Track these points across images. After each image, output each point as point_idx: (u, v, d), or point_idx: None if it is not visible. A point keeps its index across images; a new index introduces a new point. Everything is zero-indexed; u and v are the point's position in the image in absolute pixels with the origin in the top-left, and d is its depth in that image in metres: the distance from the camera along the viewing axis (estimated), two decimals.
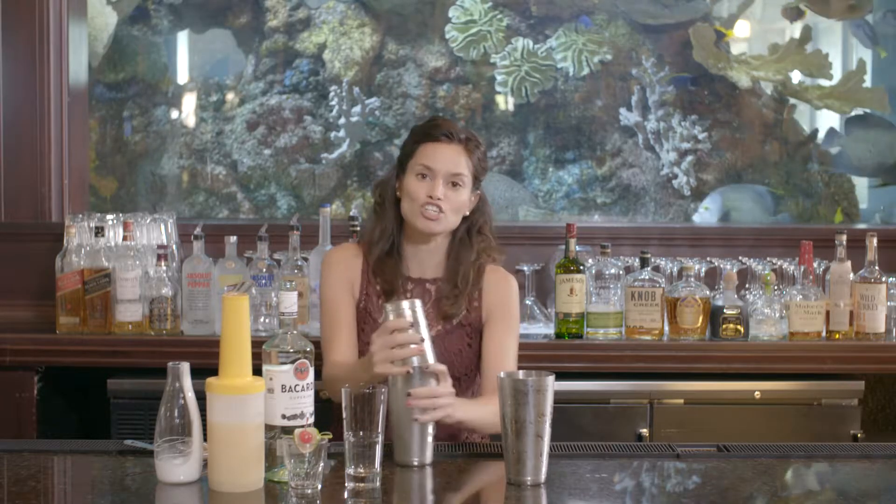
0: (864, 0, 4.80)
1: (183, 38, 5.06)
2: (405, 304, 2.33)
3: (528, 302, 3.71)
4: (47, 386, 3.55)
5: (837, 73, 4.85)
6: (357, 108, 4.83)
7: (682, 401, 3.45)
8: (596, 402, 3.45)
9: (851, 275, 3.48)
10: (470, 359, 2.70)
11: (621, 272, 3.53)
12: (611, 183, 4.83)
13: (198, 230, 3.51)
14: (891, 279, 3.53)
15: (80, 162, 4.08)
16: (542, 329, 3.63)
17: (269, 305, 3.45)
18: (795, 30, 4.91)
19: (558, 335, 3.48)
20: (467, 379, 2.71)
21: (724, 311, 3.44)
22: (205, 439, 2.10)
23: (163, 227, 3.73)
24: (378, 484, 2.05)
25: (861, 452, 2.45)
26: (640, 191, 4.82)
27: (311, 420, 2.15)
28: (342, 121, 4.83)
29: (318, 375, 2.19)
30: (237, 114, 4.90)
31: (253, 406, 2.07)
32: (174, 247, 3.69)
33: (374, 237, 2.70)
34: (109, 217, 3.68)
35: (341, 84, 4.84)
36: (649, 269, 3.51)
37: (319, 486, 2.02)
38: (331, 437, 2.03)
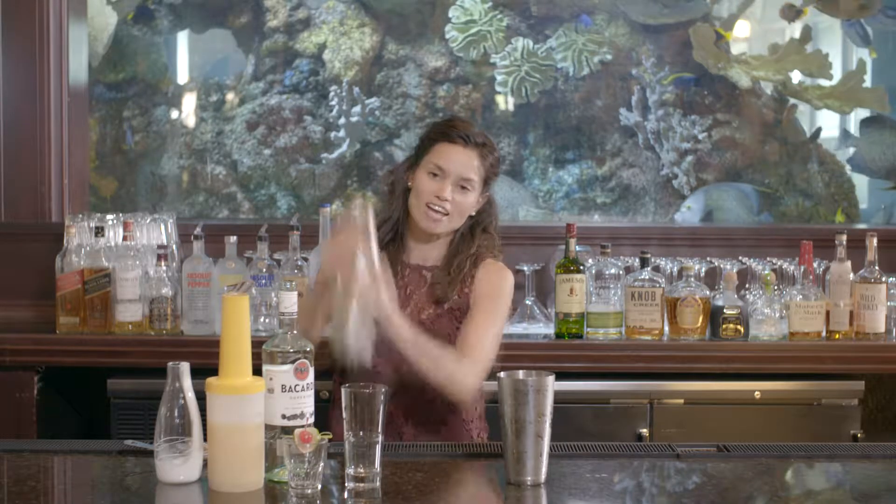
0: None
1: (183, 38, 5.06)
2: (356, 208, 2.45)
3: (528, 302, 3.71)
4: (47, 386, 3.55)
5: (837, 73, 4.85)
6: (357, 108, 4.83)
7: (682, 401, 3.45)
8: (596, 402, 3.45)
9: (851, 275, 3.48)
10: None
11: (621, 272, 3.53)
12: (611, 183, 4.83)
13: (198, 230, 3.51)
14: (891, 279, 3.53)
15: (80, 162, 4.08)
16: (542, 329, 3.63)
17: (269, 305, 3.45)
18: (795, 30, 4.91)
19: (558, 335, 3.48)
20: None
21: (724, 311, 3.44)
22: (205, 439, 2.10)
23: (163, 227, 3.73)
24: (378, 484, 2.05)
25: (861, 452, 2.45)
26: (640, 191, 4.82)
27: (311, 420, 2.15)
28: (342, 121, 4.83)
29: (318, 375, 2.19)
30: (237, 114, 4.90)
31: (253, 406, 2.06)
32: (174, 247, 3.69)
33: (379, 224, 2.69)
34: (109, 217, 3.68)
35: (341, 84, 4.84)
36: (649, 269, 3.51)
37: (319, 486, 2.02)
38: (331, 437, 2.03)
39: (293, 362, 2.14)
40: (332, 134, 4.84)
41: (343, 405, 2.07)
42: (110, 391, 3.46)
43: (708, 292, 3.48)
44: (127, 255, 3.50)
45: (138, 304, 3.49)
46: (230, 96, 4.93)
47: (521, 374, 2.16)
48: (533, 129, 4.84)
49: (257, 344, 2.12)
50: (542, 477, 2.12)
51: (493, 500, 2.14)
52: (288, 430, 2.10)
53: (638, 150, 4.82)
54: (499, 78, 4.84)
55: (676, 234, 4.10)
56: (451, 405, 2.65)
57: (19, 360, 3.48)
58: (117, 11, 4.87)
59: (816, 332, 3.48)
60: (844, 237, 3.46)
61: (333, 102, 4.84)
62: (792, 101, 4.86)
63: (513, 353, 3.33)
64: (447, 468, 2.25)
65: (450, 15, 4.85)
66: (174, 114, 4.93)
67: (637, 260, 3.58)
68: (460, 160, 2.66)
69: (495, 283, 2.71)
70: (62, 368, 3.54)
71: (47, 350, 3.49)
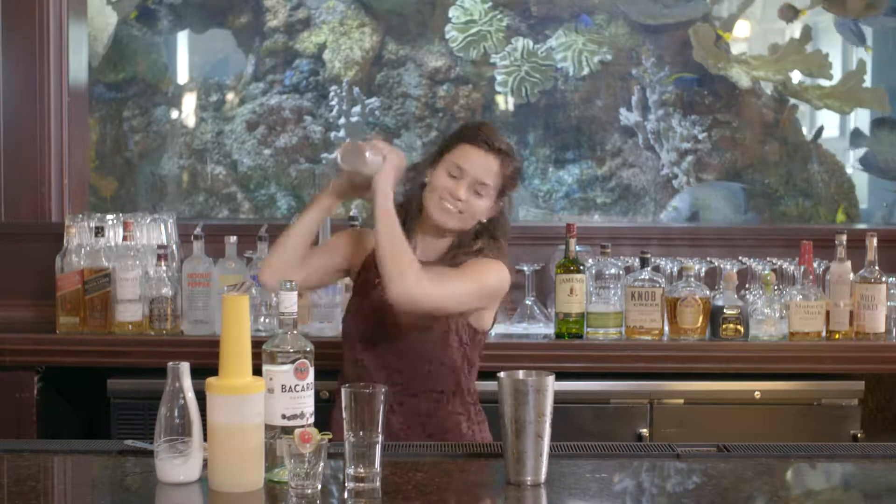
0: None
1: (183, 38, 5.06)
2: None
3: (528, 302, 3.71)
4: (47, 386, 3.54)
5: (837, 73, 4.85)
6: (357, 108, 4.83)
7: (682, 401, 3.45)
8: (596, 402, 3.45)
9: (851, 275, 3.48)
10: (445, 345, 2.70)
11: (621, 272, 3.53)
12: (611, 183, 4.84)
13: (198, 230, 3.51)
14: (891, 279, 3.53)
15: (80, 162, 4.08)
16: (542, 329, 3.63)
17: (269, 305, 3.45)
18: (795, 30, 4.91)
19: (558, 335, 3.48)
20: (444, 367, 2.70)
21: (724, 311, 3.44)
22: (205, 439, 2.10)
23: (163, 227, 3.73)
24: (378, 484, 2.05)
25: (861, 452, 2.45)
26: (640, 191, 4.82)
27: (311, 420, 2.15)
28: (342, 121, 4.83)
29: (318, 375, 2.19)
30: (237, 114, 4.90)
31: (253, 406, 2.06)
32: (174, 247, 3.69)
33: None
34: (109, 217, 3.68)
35: (341, 84, 4.84)
36: (649, 269, 3.51)
37: (319, 486, 2.02)
38: (331, 437, 2.03)
39: (293, 362, 2.14)
40: (332, 134, 4.84)
41: (343, 405, 2.07)
42: (110, 391, 3.46)
43: (708, 292, 3.48)
44: (127, 255, 3.50)
45: (138, 304, 3.49)
46: (230, 96, 4.93)
47: (521, 374, 2.16)
48: (533, 129, 4.84)
49: (257, 344, 2.12)
50: (542, 477, 2.12)
51: (493, 500, 2.14)
52: (288, 430, 2.09)
53: (638, 150, 4.82)
54: (499, 78, 4.84)
55: (676, 234, 4.10)
56: (436, 398, 2.68)
57: (19, 360, 3.48)
58: (117, 11, 4.87)
59: (816, 332, 3.48)
60: (844, 237, 3.46)
61: (333, 102, 4.84)
62: (792, 101, 4.87)
63: (513, 353, 3.34)
64: (447, 468, 2.26)
65: (450, 15, 4.85)
66: (174, 114, 4.93)
67: (637, 260, 3.58)
68: (480, 163, 2.69)
69: (483, 262, 2.72)
70: (62, 368, 3.54)
71: (47, 350, 3.49)
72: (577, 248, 3.52)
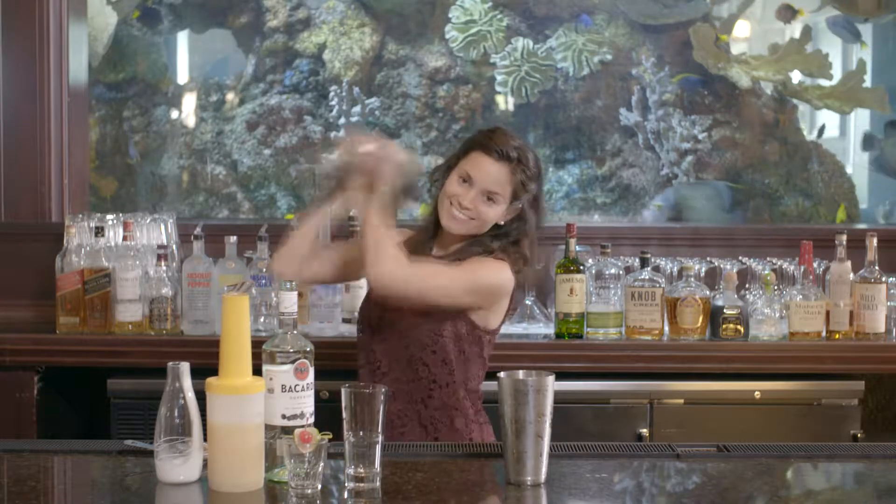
0: None
1: (183, 38, 5.06)
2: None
3: (528, 302, 3.71)
4: (47, 386, 3.54)
5: (837, 73, 4.85)
6: (357, 108, 4.83)
7: (682, 401, 3.45)
8: (596, 402, 3.45)
9: (851, 275, 3.48)
10: (438, 335, 2.71)
11: (621, 272, 3.53)
12: (611, 183, 4.84)
13: (198, 230, 3.51)
14: (891, 279, 3.53)
15: (80, 162, 4.08)
16: (542, 329, 3.63)
17: (269, 305, 3.45)
18: (795, 30, 4.91)
19: (558, 335, 3.48)
20: (436, 357, 2.71)
21: (724, 311, 3.44)
22: (205, 439, 2.10)
23: (163, 227, 3.73)
24: (378, 484, 2.05)
25: (861, 452, 2.45)
26: (640, 191, 4.82)
27: (311, 420, 2.15)
28: (342, 121, 4.83)
29: (318, 375, 2.19)
30: (237, 114, 4.90)
31: (253, 406, 2.06)
32: (174, 247, 3.69)
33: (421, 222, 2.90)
34: (109, 217, 3.68)
35: (341, 84, 4.84)
36: (649, 269, 3.51)
37: (319, 486, 2.02)
38: (331, 436, 2.04)
39: (293, 362, 2.14)
40: (332, 134, 4.84)
41: (343, 405, 2.07)
42: (110, 391, 3.46)
43: (708, 292, 3.48)
44: (127, 255, 3.50)
45: (138, 304, 3.49)
46: (230, 96, 4.93)
47: (521, 374, 2.16)
48: (533, 129, 4.84)
49: (257, 344, 2.12)
50: (542, 477, 2.12)
51: (493, 500, 2.14)
52: (288, 430, 2.10)
53: (638, 150, 4.82)
54: (499, 78, 4.84)
55: (676, 234, 4.10)
56: (429, 386, 2.70)
57: (19, 360, 3.48)
58: (117, 11, 4.87)
59: (816, 332, 3.48)
60: (844, 237, 3.46)
61: (333, 102, 4.84)
62: (792, 101, 4.86)
63: (513, 353, 3.34)
64: (447, 468, 2.26)
65: (450, 15, 4.85)
66: (174, 114, 4.93)
67: (637, 260, 3.58)
68: (490, 172, 2.70)
69: (483, 260, 2.72)
70: (62, 368, 3.54)
71: (47, 350, 3.49)
72: (577, 248, 3.52)
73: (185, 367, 2.09)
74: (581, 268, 3.45)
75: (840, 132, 5.09)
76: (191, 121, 4.94)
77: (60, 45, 3.93)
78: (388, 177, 2.69)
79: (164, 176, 4.87)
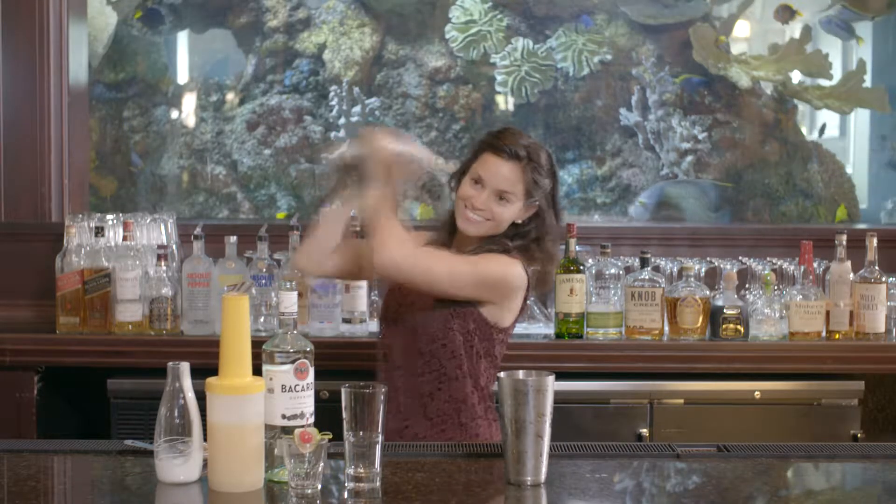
0: None
1: (183, 38, 5.06)
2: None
3: (528, 302, 3.70)
4: (47, 386, 3.55)
5: (837, 73, 4.85)
6: (357, 108, 4.83)
7: (682, 401, 3.45)
8: (596, 402, 3.45)
9: (851, 275, 3.48)
10: (447, 327, 2.72)
11: (621, 272, 3.53)
12: (611, 183, 4.83)
13: (198, 230, 3.51)
14: (891, 279, 3.53)
15: (80, 162, 4.08)
16: (542, 329, 3.63)
17: (269, 305, 3.45)
18: (795, 30, 4.90)
19: (558, 335, 3.48)
20: (445, 350, 2.72)
21: (724, 311, 3.44)
22: (205, 439, 2.10)
23: (163, 227, 3.73)
24: (378, 484, 2.05)
25: (861, 452, 2.45)
26: (640, 191, 4.82)
27: (311, 420, 2.15)
28: (342, 121, 4.83)
29: (318, 375, 2.19)
30: (237, 114, 4.90)
31: (253, 406, 2.07)
32: (174, 247, 3.69)
33: (438, 222, 2.91)
34: (109, 217, 3.68)
35: (341, 84, 4.84)
36: (649, 269, 3.51)
37: (319, 486, 2.02)
38: (331, 436, 2.04)
39: (293, 362, 2.14)
40: (332, 134, 4.84)
41: (343, 405, 2.07)
42: (110, 391, 3.46)
43: (708, 292, 3.48)
44: (127, 255, 3.50)
45: (138, 304, 3.50)
46: (230, 96, 4.93)
47: (521, 374, 2.16)
48: (533, 129, 4.84)
49: (257, 344, 2.12)
50: (542, 477, 2.12)
51: (493, 500, 2.14)
52: (288, 430, 2.10)
53: (638, 150, 4.82)
54: (499, 78, 4.84)
55: (676, 234, 4.10)
56: (437, 378, 2.71)
57: (19, 360, 3.48)
58: (117, 11, 4.87)
59: (816, 332, 3.48)
60: (844, 237, 3.46)
61: (333, 102, 4.84)
62: (793, 101, 4.86)
63: (513, 353, 3.33)
64: (447, 468, 2.26)
65: (450, 15, 4.85)
66: (174, 114, 4.93)
67: (637, 260, 3.58)
68: (501, 173, 2.72)
69: (493, 255, 2.73)
70: (62, 368, 3.54)
71: (47, 350, 3.50)
72: (577, 248, 3.52)
73: (185, 367, 2.09)
74: (581, 268, 3.46)
75: (840, 132, 5.08)
76: (191, 121, 4.94)
77: (60, 45, 3.93)
78: (403, 172, 2.72)
79: (164, 176, 4.87)
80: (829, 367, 3.45)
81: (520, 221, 2.76)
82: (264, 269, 3.47)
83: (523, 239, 2.77)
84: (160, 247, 3.54)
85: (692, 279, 3.47)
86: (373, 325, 3.58)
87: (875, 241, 3.46)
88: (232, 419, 2.05)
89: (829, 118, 4.97)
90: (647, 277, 3.48)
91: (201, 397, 2.08)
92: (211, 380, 2.07)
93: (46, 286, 3.68)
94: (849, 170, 4.93)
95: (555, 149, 4.85)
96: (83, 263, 3.52)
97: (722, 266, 3.62)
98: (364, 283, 3.49)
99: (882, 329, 3.48)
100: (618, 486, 2.21)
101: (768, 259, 3.67)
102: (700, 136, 4.78)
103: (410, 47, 4.90)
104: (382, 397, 2.07)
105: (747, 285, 3.63)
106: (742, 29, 4.98)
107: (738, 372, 3.45)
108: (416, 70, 4.88)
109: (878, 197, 4.89)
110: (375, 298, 3.71)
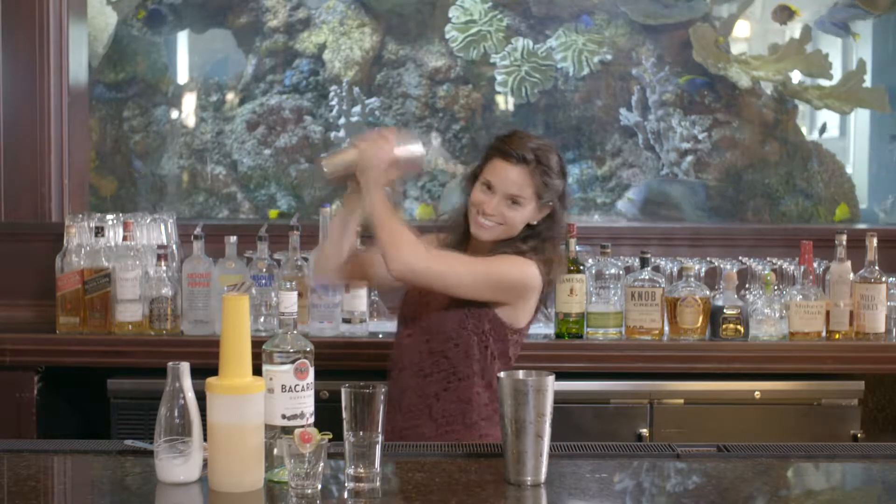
0: None
1: (183, 38, 5.06)
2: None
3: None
4: (47, 386, 3.55)
5: (837, 73, 4.85)
6: (357, 108, 4.83)
7: (682, 401, 3.45)
8: (596, 402, 3.45)
9: (851, 275, 3.48)
10: (461, 327, 2.73)
11: (621, 272, 3.53)
12: (611, 183, 4.83)
13: (198, 230, 3.51)
14: (891, 279, 3.53)
15: (80, 162, 4.08)
16: (542, 329, 3.63)
17: (269, 305, 3.45)
18: (795, 30, 4.90)
19: (558, 335, 3.48)
20: (458, 350, 2.73)
21: (724, 311, 3.44)
22: (205, 439, 2.10)
23: (163, 227, 3.73)
24: (378, 484, 2.05)
25: (861, 452, 2.45)
26: None
27: (311, 420, 2.15)
28: (342, 121, 4.83)
29: (318, 375, 2.19)
30: (237, 114, 4.90)
31: (253, 406, 2.07)
32: (174, 247, 3.69)
33: (449, 223, 2.91)
34: (109, 217, 3.68)
35: (341, 84, 4.84)
36: (649, 269, 3.51)
37: (319, 486, 2.02)
38: (331, 436, 2.04)
39: (293, 362, 2.14)
40: (332, 134, 4.84)
41: (343, 405, 2.07)
42: (110, 391, 3.46)
43: (708, 292, 3.48)
44: (127, 255, 3.50)
45: (138, 304, 3.50)
46: (230, 96, 4.93)
47: (521, 374, 2.16)
48: (533, 130, 4.83)
49: (257, 344, 2.12)
50: (542, 477, 2.12)
51: (493, 500, 2.14)
52: (288, 430, 2.10)
53: (638, 150, 4.82)
54: (499, 78, 4.84)
55: (676, 234, 4.10)
56: (446, 378, 2.72)
57: (19, 360, 3.48)
58: (117, 11, 4.87)
59: (816, 332, 3.48)
60: (844, 237, 3.46)
61: (333, 102, 4.84)
62: (793, 101, 4.86)
63: None
64: (447, 468, 2.26)
65: (450, 15, 4.84)
66: (174, 114, 4.93)
67: (637, 260, 3.58)
68: (510, 177, 2.73)
69: (508, 256, 2.74)
70: (62, 368, 3.54)
71: (47, 350, 3.50)
72: (577, 248, 3.52)
73: (185, 367, 2.10)
74: (581, 268, 3.46)
75: (840, 132, 5.08)
76: (191, 121, 4.94)
77: (60, 45, 3.93)
78: (403, 174, 2.75)
79: (164, 176, 4.87)
80: (829, 367, 3.45)
81: (534, 223, 2.78)
82: (264, 269, 3.47)
83: (533, 241, 2.77)
84: (160, 247, 3.54)
85: (692, 279, 3.47)
86: (373, 326, 3.59)
87: (875, 241, 3.46)
88: (232, 419, 2.05)
89: (829, 118, 4.96)
90: (647, 277, 3.48)
91: (201, 397, 2.08)
92: (211, 380, 2.07)
93: (46, 286, 3.68)
94: (849, 170, 4.93)
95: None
96: (83, 263, 3.52)
97: (722, 266, 3.62)
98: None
99: (882, 329, 3.48)
100: (618, 486, 2.21)
101: (768, 259, 3.67)
102: (700, 136, 4.78)
103: (410, 47, 4.90)
104: (382, 397, 2.07)
105: (747, 285, 3.63)
106: (742, 29, 4.98)
107: (738, 372, 3.45)
108: (416, 70, 4.87)
109: (879, 197, 4.89)
110: (375, 299, 3.71)
